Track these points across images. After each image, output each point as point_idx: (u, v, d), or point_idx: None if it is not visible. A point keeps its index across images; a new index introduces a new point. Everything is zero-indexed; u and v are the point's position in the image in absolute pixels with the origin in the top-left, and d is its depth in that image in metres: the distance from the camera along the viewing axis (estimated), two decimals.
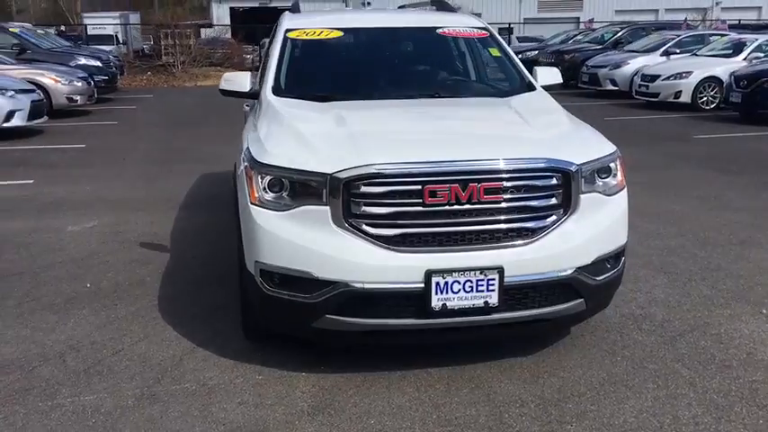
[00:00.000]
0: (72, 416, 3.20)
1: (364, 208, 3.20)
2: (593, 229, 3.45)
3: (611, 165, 3.60)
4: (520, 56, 22.83)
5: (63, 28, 41.49)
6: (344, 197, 3.19)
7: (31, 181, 8.36)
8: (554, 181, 3.34)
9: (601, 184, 3.54)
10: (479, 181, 3.22)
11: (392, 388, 3.43)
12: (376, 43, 4.89)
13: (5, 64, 14.15)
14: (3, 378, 3.56)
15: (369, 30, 4.96)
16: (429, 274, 3.18)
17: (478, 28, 4.95)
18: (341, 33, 4.79)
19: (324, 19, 5.07)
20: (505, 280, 3.25)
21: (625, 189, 3.70)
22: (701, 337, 3.97)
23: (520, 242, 3.30)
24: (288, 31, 4.80)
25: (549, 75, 4.79)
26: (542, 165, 3.32)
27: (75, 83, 14.31)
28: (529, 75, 4.64)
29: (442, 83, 4.60)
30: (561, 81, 4.86)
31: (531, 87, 4.55)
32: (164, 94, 20.47)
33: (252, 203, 3.39)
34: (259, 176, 3.36)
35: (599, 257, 3.47)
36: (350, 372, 3.56)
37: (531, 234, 3.32)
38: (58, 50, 17.37)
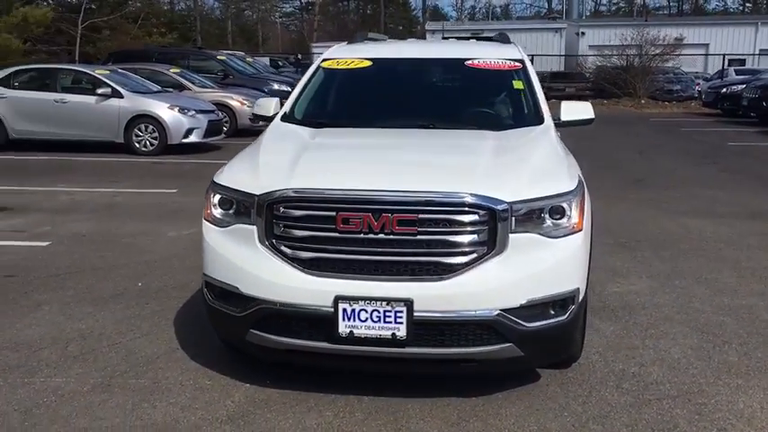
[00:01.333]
0: (33, 394, 3.65)
1: (284, 230, 3.34)
2: (523, 272, 3.28)
3: (564, 205, 3.40)
4: (725, 90, 21.43)
5: (299, 56, 44.72)
6: (267, 218, 3.36)
7: (174, 190, 9.37)
8: (476, 217, 3.23)
9: (547, 224, 3.35)
10: (393, 212, 3.22)
11: (314, 410, 3.50)
12: (398, 73, 4.98)
13: (206, 87, 15.88)
14: (11, 354, 4.14)
15: (397, 60, 5.06)
16: (337, 300, 3.23)
17: (513, 60, 4.85)
18: (369, 63, 4.95)
19: (364, 48, 5.24)
20: (415, 314, 3.20)
21: (581, 232, 3.46)
22: (679, 406, 3.57)
23: (434, 277, 3.24)
24: (324, 60, 5.05)
25: (575, 110, 4.59)
26: (463, 200, 3.23)
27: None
28: (545, 109, 4.47)
29: (443, 115, 4.56)
30: (591, 116, 4.63)
31: (540, 121, 4.37)
32: None
33: (205, 219, 3.67)
34: (211, 194, 3.64)
35: (531, 302, 3.29)
36: (291, 389, 3.68)
37: (447, 270, 3.24)
38: (257, 76, 19.07)
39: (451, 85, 5.05)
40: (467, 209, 3.23)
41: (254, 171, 3.64)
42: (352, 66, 4.95)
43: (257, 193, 3.39)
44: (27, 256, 6.20)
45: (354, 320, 3.23)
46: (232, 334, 3.62)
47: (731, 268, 5.90)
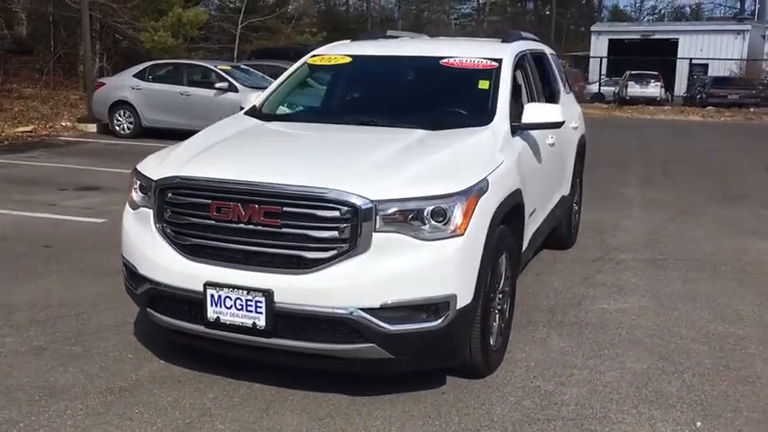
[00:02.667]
0: None
1: (171, 214, 3.51)
2: (385, 272, 3.22)
3: (441, 207, 3.29)
4: None
5: None
6: (159, 203, 3.55)
7: None
8: (338, 214, 3.22)
9: (419, 226, 3.26)
10: (259, 203, 3.29)
11: (199, 390, 3.63)
12: (370, 71, 4.97)
13: None
14: None
15: (375, 58, 5.05)
16: (206, 286, 3.36)
17: (491, 59, 4.69)
18: (349, 60, 4.99)
19: (356, 45, 5.29)
20: (277, 305, 3.25)
21: (462, 237, 3.32)
22: (564, 429, 3.34)
23: (296, 270, 3.26)
24: (312, 56, 5.16)
25: (539, 113, 4.36)
26: (323, 196, 3.23)
27: None
28: (501, 111, 4.29)
29: (390, 113, 4.49)
30: (556, 120, 4.39)
31: (488, 122, 4.20)
32: None
33: (127, 202, 3.93)
34: (132, 177, 3.89)
35: (393, 304, 3.22)
36: (194, 369, 3.83)
37: (308, 264, 3.25)
38: None
39: (416, 84, 4.97)
40: (329, 205, 3.23)
41: (164, 158, 3.84)
42: (332, 62, 5.02)
43: (155, 178, 3.59)
44: (75, 231, 6.85)
45: (221, 307, 3.34)
46: (142, 312, 3.85)
47: (759, 296, 5.31)
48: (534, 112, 4.35)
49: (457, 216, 3.32)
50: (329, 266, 3.22)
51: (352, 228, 3.21)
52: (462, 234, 3.33)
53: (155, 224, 3.56)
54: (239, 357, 3.68)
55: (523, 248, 4.41)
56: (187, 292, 3.42)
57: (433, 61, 4.78)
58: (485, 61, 4.68)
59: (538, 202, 4.74)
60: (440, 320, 3.31)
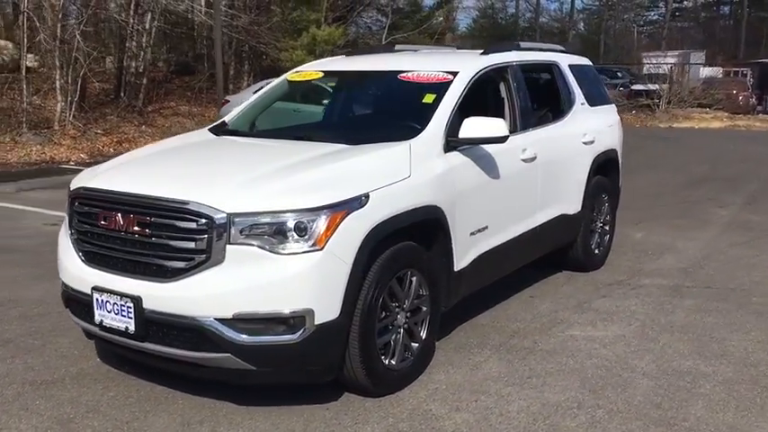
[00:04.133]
0: None
1: (77, 222, 3.80)
2: (238, 284, 3.29)
3: (302, 221, 3.30)
4: None
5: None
6: (69, 211, 3.85)
7: None
8: (195, 225, 3.33)
9: (275, 239, 3.29)
10: (134, 213, 3.48)
11: (113, 389, 3.88)
12: (334, 86, 4.99)
13: None
14: None
15: (343, 73, 5.07)
16: (92, 290, 3.60)
17: (447, 72, 4.58)
18: (320, 75, 5.07)
19: (339, 61, 5.35)
20: (146, 311, 3.42)
21: (321, 252, 3.30)
22: None
23: (160, 278, 3.41)
24: (293, 73, 5.30)
25: (479, 127, 4.20)
26: (183, 207, 3.35)
27: None
28: (433, 125, 4.18)
29: (327, 127, 4.50)
30: (500, 135, 4.20)
31: (412, 136, 4.10)
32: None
33: None
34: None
35: (245, 315, 3.28)
36: (122, 371, 4.11)
37: (170, 273, 3.39)
38: None
39: (370, 98, 4.94)
40: (188, 216, 3.35)
41: (94, 169, 4.14)
42: (306, 78, 5.13)
43: (72, 187, 3.90)
44: None
45: (103, 310, 3.56)
46: None
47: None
48: (473, 126, 4.19)
49: (316, 231, 3.31)
50: (188, 276, 3.34)
51: (208, 239, 3.30)
52: (321, 249, 3.31)
53: (67, 231, 3.86)
54: (131, 359, 3.88)
55: (459, 267, 4.23)
56: (83, 294, 3.67)
57: (393, 76, 4.75)
58: (440, 75, 4.58)
59: (492, 219, 4.53)
60: (296, 335, 3.31)
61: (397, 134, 4.17)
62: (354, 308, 3.49)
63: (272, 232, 3.30)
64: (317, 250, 3.31)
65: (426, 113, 4.28)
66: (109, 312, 3.53)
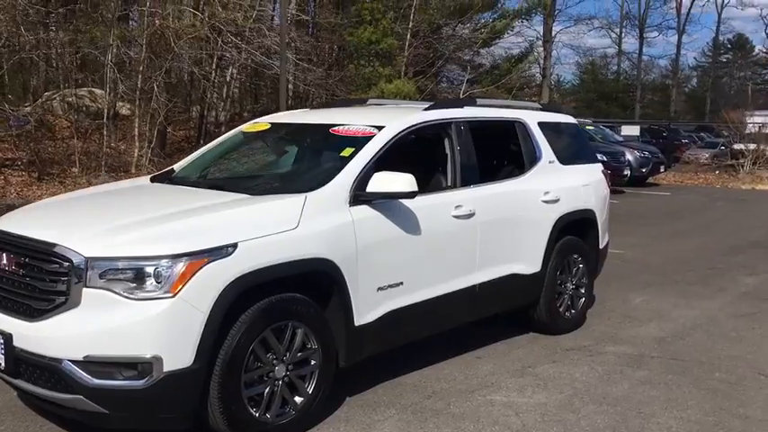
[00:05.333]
0: None
1: None
2: (90, 327, 3.39)
3: (157, 268, 3.38)
4: None
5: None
6: None
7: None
8: (58, 267, 3.47)
9: (129, 284, 3.39)
10: (13, 253, 3.68)
11: None
12: (270, 138, 5.09)
13: None
14: None
15: (284, 125, 5.17)
16: None
17: (373, 126, 4.61)
18: (267, 127, 5.20)
19: (294, 114, 5.48)
20: (16, 349, 3.57)
21: (173, 299, 3.36)
22: None
23: (29, 318, 3.55)
24: (250, 124, 5.47)
25: (383, 182, 4.19)
26: (49, 249, 3.51)
27: None
28: (340, 179, 4.20)
29: (243, 178, 4.57)
30: (408, 190, 4.17)
31: (313, 189, 4.13)
32: (692, 192, 19.54)
33: None
34: None
35: (94, 358, 3.37)
36: None
37: (36, 313, 3.53)
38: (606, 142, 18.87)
39: (298, 151, 4.99)
40: (53, 258, 3.50)
41: (14, 211, 4.40)
42: (256, 129, 5.27)
43: None
44: None
45: None
46: None
47: (710, 410, 4.39)
48: (380, 181, 4.19)
49: (171, 278, 3.38)
50: (50, 317, 3.47)
51: (68, 282, 3.44)
52: (173, 296, 3.37)
53: None
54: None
55: (362, 322, 4.18)
56: None
57: (325, 129, 4.81)
58: (366, 129, 4.61)
59: (410, 275, 4.46)
60: (144, 381, 3.36)
61: (302, 185, 4.21)
62: (214, 356, 3.51)
63: (128, 278, 3.40)
64: (169, 297, 3.37)
65: (338, 166, 4.31)
66: None
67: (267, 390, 3.77)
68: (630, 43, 75.85)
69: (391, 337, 4.49)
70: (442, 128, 5.00)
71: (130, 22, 20.83)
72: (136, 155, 17.73)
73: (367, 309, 4.22)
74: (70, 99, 19.93)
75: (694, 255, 9.83)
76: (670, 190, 19.79)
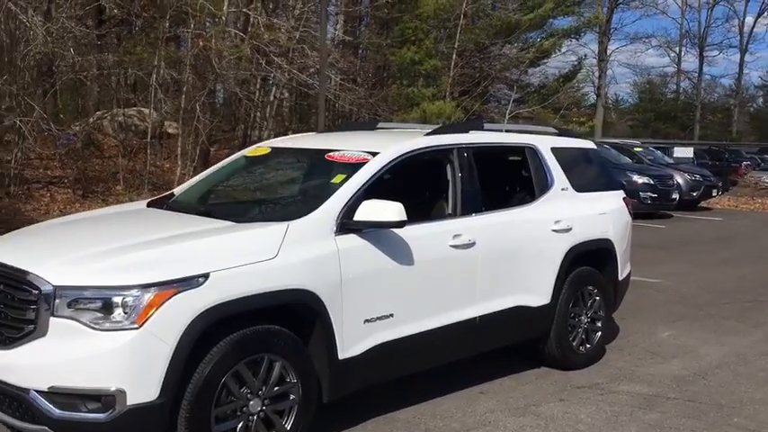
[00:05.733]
0: None
1: None
2: (55, 357, 3.34)
3: (123, 298, 3.31)
4: None
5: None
6: None
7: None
8: (28, 295, 3.43)
9: (95, 315, 3.32)
10: None
11: None
12: (268, 163, 5.00)
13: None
14: None
15: (283, 150, 5.07)
16: None
17: (368, 153, 4.49)
18: (268, 151, 5.13)
19: (296, 138, 5.40)
20: None
21: (137, 331, 3.28)
22: None
23: (1, 345, 3.52)
24: (253, 148, 5.40)
25: (371, 211, 4.05)
26: (21, 277, 3.47)
27: None
28: (327, 207, 4.08)
29: (236, 204, 4.47)
30: (396, 219, 4.02)
31: (300, 216, 4.01)
32: (746, 217, 18.79)
33: None
34: None
35: (57, 389, 3.30)
36: None
37: (6, 340, 3.50)
38: (622, 167, 18.26)
39: (292, 177, 4.88)
40: (24, 286, 3.46)
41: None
42: (257, 153, 5.20)
43: None
44: None
45: None
46: None
47: None
48: (368, 210, 4.06)
49: (138, 308, 3.31)
50: (18, 345, 3.43)
51: (36, 310, 3.39)
52: (138, 327, 3.29)
53: None
54: None
55: (347, 355, 4.03)
56: None
57: (321, 154, 4.71)
58: (360, 155, 4.49)
59: (401, 307, 4.30)
60: (106, 414, 3.29)
61: (287, 213, 4.13)
62: (182, 390, 3.41)
63: (95, 307, 3.33)
64: (134, 329, 3.29)
65: (326, 193, 4.19)
66: None
67: (240, 425, 3.64)
68: (690, 62, 74.19)
69: (380, 370, 4.32)
70: (442, 154, 4.85)
71: (178, 44, 21.22)
72: (178, 173, 17.98)
73: (352, 342, 4.07)
74: (119, 119, 20.42)
75: (735, 285, 9.37)
76: (723, 215, 19.07)
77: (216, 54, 17.72)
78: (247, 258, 3.65)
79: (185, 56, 17.94)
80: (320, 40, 16.78)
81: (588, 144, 6.19)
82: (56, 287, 3.35)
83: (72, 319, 3.33)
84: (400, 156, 4.53)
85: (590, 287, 5.66)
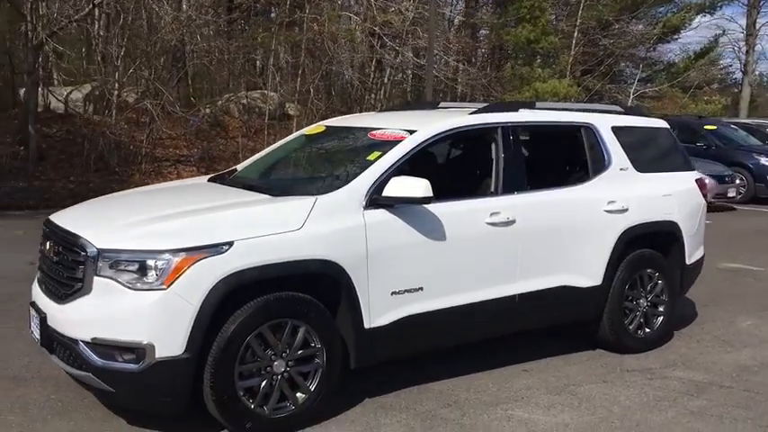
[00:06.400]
0: None
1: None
2: (97, 312, 3.73)
3: (154, 261, 3.67)
4: None
5: None
6: None
7: None
8: (79, 257, 3.85)
9: (130, 275, 3.69)
10: (53, 242, 4.14)
11: None
12: (319, 140, 5.20)
13: None
14: None
15: (335, 128, 5.26)
16: (30, 304, 4.30)
17: (407, 131, 4.63)
18: (323, 129, 5.37)
19: (355, 117, 5.60)
20: (49, 327, 4.02)
21: (164, 291, 3.62)
22: None
23: (58, 300, 3.98)
24: (311, 127, 5.67)
25: (399, 187, 4.20)
26: (75, 241, 3.89)
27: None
28: (358, 182, 4.26)
29: (274, 179, 4.70)
30: (422, 195, 4.14)
31: (332, 190, 4.22)
32: None
33: None
34: None
35: (100, 341, 3.70)
36: None
37: (62, 296, 3.95)
38: (746, 148, 17.11)
39: (333, 154, 5.04)
40: (76, 249, 3.89)
41: None
42: (314, 132, 5.46)
43: None
44: None
45: (31, 322, 4.23)
46: None
47: None
48: (396, 186, 4.20)
49: (166, 271, 3.64)
50: (70, 300, 3.86)
51: (84, 270, 3.80)
52: (166, 288, 3.63)
53: None
54: None
55: (374, 324, 4.20)
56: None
57: (365, 132, 4.88)
58: (398, 133, 4.63)
59: (432, 281, 4.41)
60: (139, 365, 3.65)
61: (319, 188, 4.33)
62: (207, 348, 3.72)
63: (132, 269, 3.70)
64: (162, 289, 3.63)
65: (360, 170, 4.37)
66: (32, 324, 4.18)
67: (264, 383, 3.91)
68: None
69: (409, 342, 4.46)
70: (485, 132, 4.89)
71: (295, 29, 21.96)
72: None
73: (379, 312, 4.23)
74: (244, 101, 21.45)
75: None
76: None
77: (330, 37, 18.23)
78: (272, 229, 3.90)
79: (301, 40, 18.56)
80: (430, 22, 16.84)
81: (658, 123, 5.99)
82: (99, 250, 3.74)
83: (112, 278, 3.71)
84: (438, 134, 4.63)
85: (650, 270, 5.51)
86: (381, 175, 4.29)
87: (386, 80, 21.78)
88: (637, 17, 25.95)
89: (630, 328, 5.45)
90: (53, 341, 3.98)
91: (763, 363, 5.41)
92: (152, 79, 17.27)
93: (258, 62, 22.05)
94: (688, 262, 5.81)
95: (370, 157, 4.47)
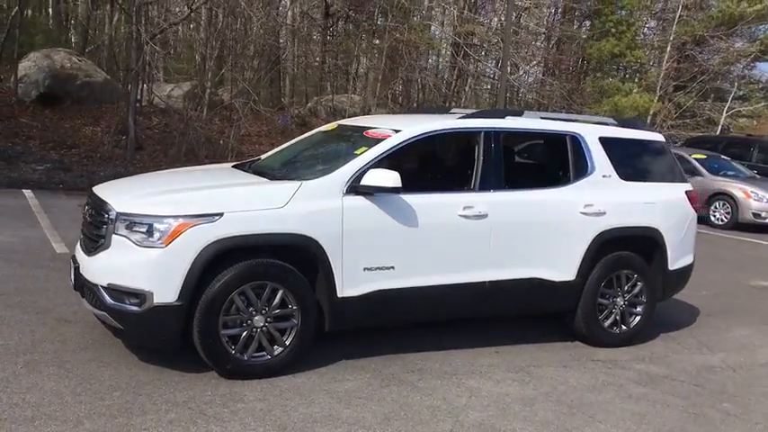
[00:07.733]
0: None
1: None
2: (113, 263, 4.61)
3: (155, 224, 4.51)
4: None
5: None
6: None
7: None
8: (105, 218, 4.74)
9: (137, 234, 4.54)
10: (91, 207, 5.07)
11: None
12: (327, 135, 5.93)
13: (719, 175, 15.40)
14: None
15: (343, 126, 5.98)
16: (71, 257, 5.26)
17: (392, 130, 5.31)
18: (335, 127, 6.12)
19: (369, 118, 6.31)
20: (82, 276, 4.95)
21: (162, 249, 4.44)
22: None
23: (89, 253, 4.90)
24: (327, 125, 6.43)
25: (373, 178, 4.87)
26: (103, 206, 4.79)
27: (765, 202, 14.38)
28: (342, 171, 4.96)
29: (282, 169, 5.47)
30: (393, 185, 4.80)
31: (314, 178, 4.96)
32: None
33: None
34: None
35: (113, 286, 4.57)
36: None
37: (93, 250, 4.86)
38: None
39: (333, 148, 5.73)
40: (103, 212, 4.79)
41: None
42: (328, 129, 6.22)
43: None
44: None
45: (71, 273, 5.18)
46: None
47: None
48: (372, 177, 4.87)
49: (166, 233, 4.48)
50: (96, 253, 4.77)
51: (107, 229, 4.70)
52: (164, 247, 4.47)
53: None
54: None
55: (345, 294, 4.89)
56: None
57: (360, 130, 5.60)
58: (386, 132, 5.31)
59: (402, 262, 5.04)
60: (140, 308, 4.51)
61: (309, 175, 5.08)
62: (196, 299, 4.53)
63: (141, 230, 4.56)
64: (162, 247, 4.47)
65: (345, 161, 5.08)
66: (71, 273, 5.12)
67: (245, 333, 4.68)
68: None
69: (380, 313, 5.11)
70: (470, 135, 5.48)
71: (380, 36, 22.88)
72: None
73: (352, 284, 4.92)
74: (331, 104, 22.57)
75: None
76: None
77: (411, 45, 19.01)
78: (259, 205, 4.67)
79: (383, 47, 19.46)
80: (506, 33, 17.31)
81: (653, 137, 6.37)
82: (119, 213, 4.63)
83: (126, 237, 4.58)
84: (421, 134, 5.27)
85: (627, 271, 5.92)
86: (362, 167, 4.98)
87: (467, 88, 22.32)
88: (734, 34, 25.36)
89: (606, 323, 5.89)
90: (83, 286, 4.89)
91: (731, 366, 5.73)
92: (243, 80, 18.56)
93: (349, 67, 23.08)
94: (671, 267, 6.17)
95: (357, 152, 5.17)
